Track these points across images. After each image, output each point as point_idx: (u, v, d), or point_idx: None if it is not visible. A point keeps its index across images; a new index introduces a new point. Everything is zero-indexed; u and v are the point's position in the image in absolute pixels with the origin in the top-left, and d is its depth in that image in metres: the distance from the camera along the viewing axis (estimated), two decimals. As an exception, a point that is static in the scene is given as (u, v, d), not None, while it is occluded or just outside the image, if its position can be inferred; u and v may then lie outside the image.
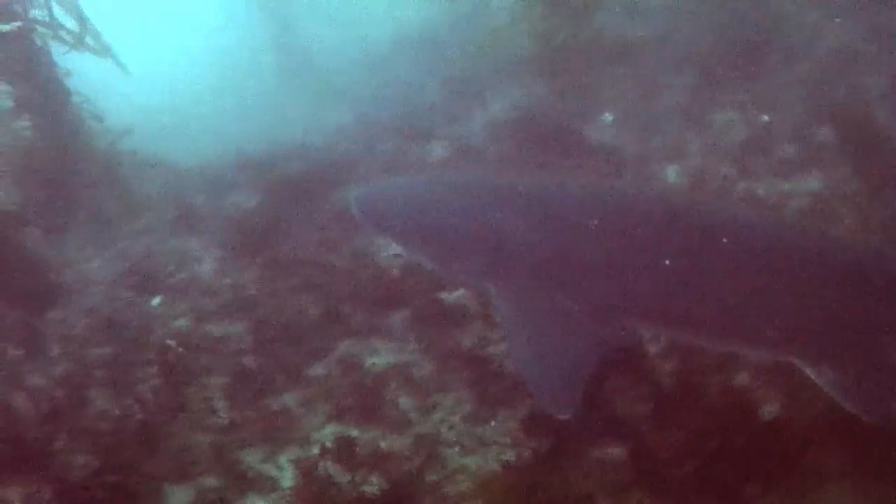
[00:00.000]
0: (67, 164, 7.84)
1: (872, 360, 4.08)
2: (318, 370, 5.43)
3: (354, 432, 4.85)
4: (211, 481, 4.62)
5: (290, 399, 5.20)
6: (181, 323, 5.95)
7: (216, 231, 7.27)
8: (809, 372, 4.06)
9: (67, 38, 7.70)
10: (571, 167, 7.22)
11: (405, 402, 5.09)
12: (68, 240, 7.74)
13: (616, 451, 4.48)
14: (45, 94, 7.62)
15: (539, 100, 8.15)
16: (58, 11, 7.72)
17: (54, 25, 7.54)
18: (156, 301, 6.21)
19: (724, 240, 4.25)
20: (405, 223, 4.90)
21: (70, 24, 7.76)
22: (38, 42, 7.48)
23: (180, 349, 5.46)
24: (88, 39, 7.86)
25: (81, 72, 8.07)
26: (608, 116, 8.12)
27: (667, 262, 4.18)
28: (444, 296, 5.72)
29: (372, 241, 6.30)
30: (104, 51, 8.09)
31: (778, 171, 7.02)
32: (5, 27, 6.98)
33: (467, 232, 4.62)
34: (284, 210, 6.94)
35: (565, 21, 8.50)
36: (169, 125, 10.89)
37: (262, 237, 6.67)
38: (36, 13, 7.41)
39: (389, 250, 6.18)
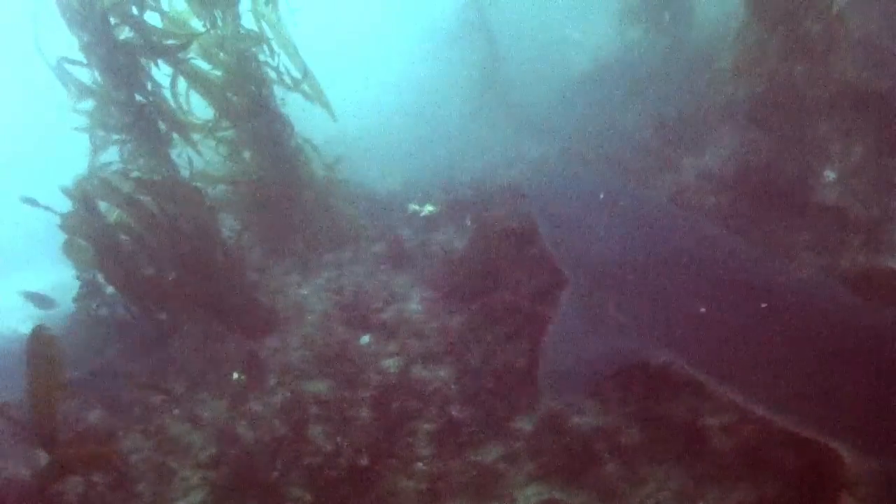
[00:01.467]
0: (286, 193, 8.32)
1: None
2: (523, 425, 5.37)
3: (559, 496, 4.77)
4: (416, 529, 4.70)
5: (494, 452, 5.18)
6: (390, 363, 6.08)
7: (423, 269, 7.39)
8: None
9: (288, 81, 8.16)
10: (788, 229, 6.80)
11: (612, 468, 4.94)
12: (280, 266, 8.18)
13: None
14: (269, 128, 8.13)
15: (758, 151, 7.67)
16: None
17: (279, 70, 8.02)
18: (365, 339, 6.39)
19: (791, 306, 4.21)
20: (543, 212, 5.82)
21: (293, 70, 8.22)
22: (262, 82, 8.00)
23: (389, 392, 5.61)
24: (305, 86, 8.29)
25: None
26: (830, 174, 7.56)
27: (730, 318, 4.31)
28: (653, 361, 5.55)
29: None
30: (318, 96, 8.47)
31: None
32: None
33: (572, 232, 5.42)
34: (492, 252, 6.90)
35: (796, 65, 7.98)
36: (367, 155, 11.17)
37: (469, 280, 6.67)
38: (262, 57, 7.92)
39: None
